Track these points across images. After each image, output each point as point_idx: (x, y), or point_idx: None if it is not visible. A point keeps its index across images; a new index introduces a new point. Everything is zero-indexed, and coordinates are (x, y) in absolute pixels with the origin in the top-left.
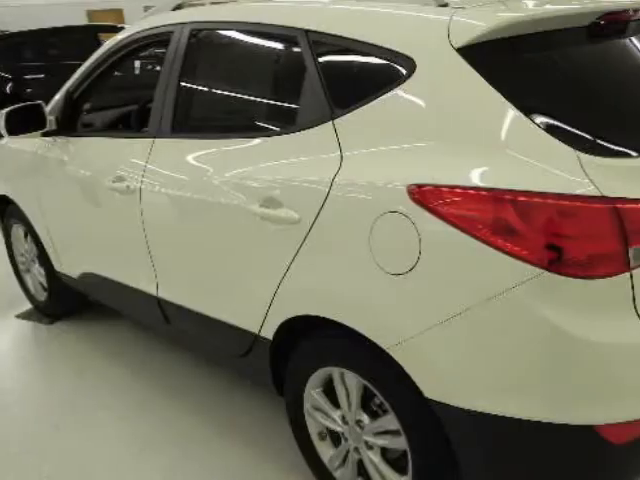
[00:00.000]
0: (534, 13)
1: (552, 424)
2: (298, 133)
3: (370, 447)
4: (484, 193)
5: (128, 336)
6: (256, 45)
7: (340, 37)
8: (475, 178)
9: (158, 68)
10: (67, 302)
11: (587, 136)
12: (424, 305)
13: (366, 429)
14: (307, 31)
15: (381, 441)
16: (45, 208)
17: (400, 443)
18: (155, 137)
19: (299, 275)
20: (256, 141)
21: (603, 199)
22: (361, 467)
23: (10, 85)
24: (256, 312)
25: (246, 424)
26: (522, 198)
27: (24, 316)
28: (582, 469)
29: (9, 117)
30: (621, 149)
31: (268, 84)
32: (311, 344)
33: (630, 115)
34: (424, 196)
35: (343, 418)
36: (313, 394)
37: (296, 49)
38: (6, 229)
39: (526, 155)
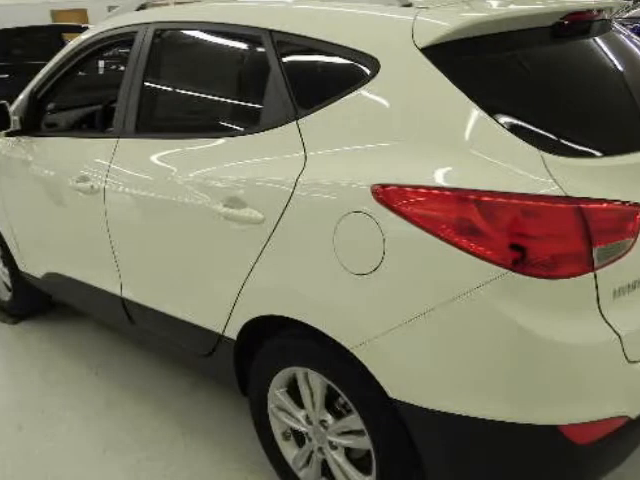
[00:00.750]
0: (498, 13)
1: (516, 424)
2: (262, 133)
3: (334, 447)
4: (448, 193)
5: (93, 336)
6: (220, 45)
7: (304, 37)
8: (439, 178)
9: (122, 68)
10: (31, 302)
11: (551, 136)
12: (388, 305)
13: (330, 429)
14: (271, 31)
15: (345, 441)
16: (9, 208)
17: (364, 443)
18: (119, 137)
19: (263, 275)
20: (220, 141)
21: (567, 199)
22: (325, 467)
23: None
24: (220, 312)
25: (210, 424)
26: (486, 198)
27: None
28: (546, 469)
29: None
30: (585, 149)
31: (232, 84)
32: (275, 344)
33: (594, 115)
34: (388, 196)
35: (307, 418)
36: (277, 394)
37: (260, 49)
38: None
39: (490, 155)
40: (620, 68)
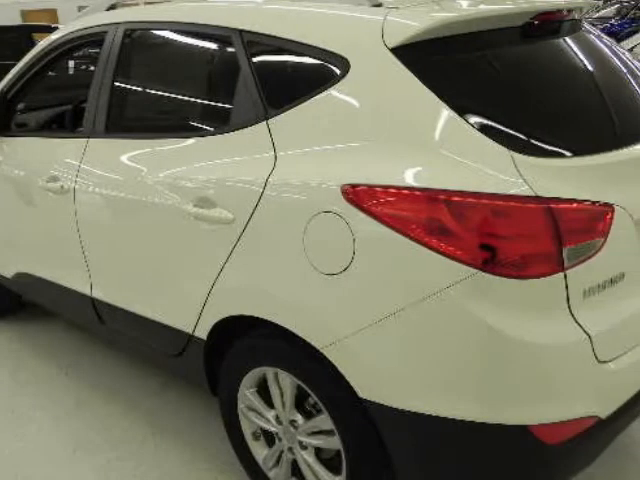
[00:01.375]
0: (468, 13)
1: (486, 424)
2: (232, 133)
3: (304, 447)
4: (418, 193)
5: (63, 336)
6: (190, 45)
7: (274, 37)
8: (409, 178)
9: (92, 68)
10: (1, 302)
11: (521, 136)
12: (358, 305)
13: (300, 429)
14: (241, 31)
15: (315, 441)
16: None
17: (334, 443)
18: (89, 137)
19: (233, 275)
20: (190, 141)
21: (537, 199)
22: (295, 467)
23: None
24: (190, 312)
25: (180, 424)
26: (456, 198)
27: None
28: (516, 469)
29: None
30: (555, 149)
31: (202, 84)
32: (245, 344)
33: (564, 115)
34: (358, 196)
35: (277, 418)
36: (247, 394)
37: (230, 49)
38: None
39: (460, 155)
40: (590, 68)
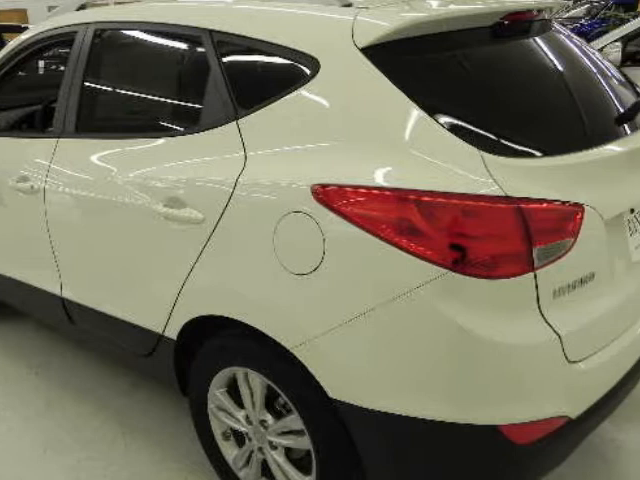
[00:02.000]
0: (438, 13)
1: (456, 424)
2: (202, 133)
3: (274, 447)
4: (388, 193)
5: (33, 336)
6: (160, 45)
7: (244, 37)
8: (379, 178)
9: (62, 68)
10: None
11: (491, 136)
12: (328, 305)
13: (270, 429)
14: (211, 31)
15: (285, 441)
16: None
17: (304, 443)
18: (59, 137)
19: (203, 275)
20: (160, 141)
21: (507, 199)
22: (265, 467)
23: None
24: (160, 312)
25: (150, 424)
26: (426, 198)
27: None
28: (486, 469)
29: None
30: (525, 149)
31: (172, 84)
32: (215, 344)
33: (534, 115)
34: (328, 196)
35: (247, 418)
36: (217, 394)
37: (200, 49)
38: None
39: (430, 155)
40: (560, 68)
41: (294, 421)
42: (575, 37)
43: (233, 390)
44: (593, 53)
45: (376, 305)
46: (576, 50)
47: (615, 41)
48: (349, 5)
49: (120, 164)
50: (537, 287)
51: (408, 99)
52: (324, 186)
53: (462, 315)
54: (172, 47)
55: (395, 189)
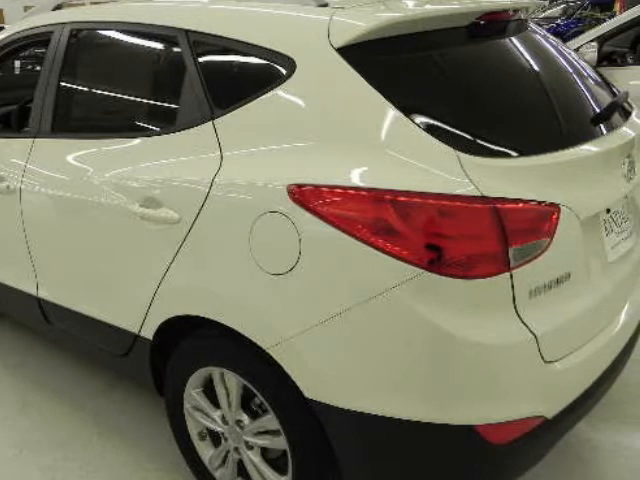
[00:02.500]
0: (414, 13)
1: (432, 424)
2: (178, 133)
3: (250, 447)
4: (364, 193)
5: (9, 336)
6: (136, 45)
7: (220, 37)
8: (355, 178)
9: (38, 68)
10: None
11: (467, 136)
12: (304, 305)
13: (246, 429)
14: (187, 31)
15: (261, 441)
16: None
17: (280, 443)
18: (35, 137)
19: (179, 275)
20: (136, 141)
21: (483, 199)
22: (241, 467)
23: None
24: (136, 312)
25: (127, 424)
26: (402, 198)
27: None
28: (463, 469)
29: None
30: (501, 149)
31: (148, 84)
32: (191, 344)
33: (510, 115)
34: (304, 196)
35: (223, 418)
36: (193, 394)
37: (176, 49)
38: None
39: (406, 155)
40: (536, 68)
41: (270, 421)
42: (551, 37)
43: (209, 390)
44: (569, 53)
45: (352, 305)
46: (552, 50)
47: (591, 41)
48: (325, 5)
49: (96, 164)
50: (513, 287)
51: (384, 99)
52: (300, 186)
53: (438, 315)
54: (148, 47)
55: (371, 189)
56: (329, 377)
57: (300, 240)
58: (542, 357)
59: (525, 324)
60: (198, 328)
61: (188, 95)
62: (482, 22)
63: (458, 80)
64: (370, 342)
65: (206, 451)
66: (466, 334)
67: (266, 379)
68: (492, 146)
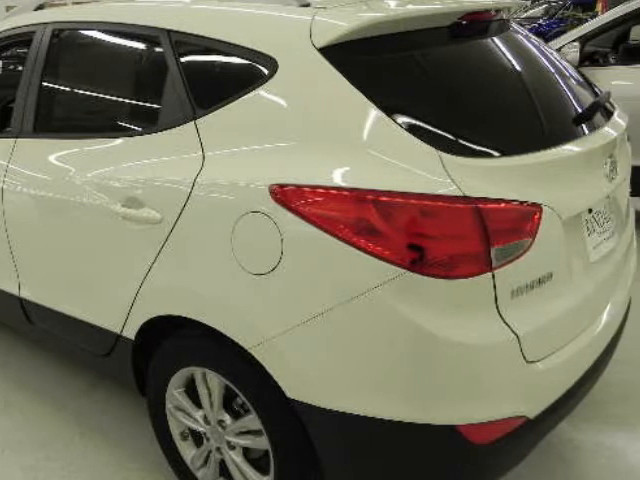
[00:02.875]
0: (395, 13)
1: (414, 424)
2: (160, 133)
3: (232, 447)
4: (346, 193)
5: None
6: (118, 45)
7: (202, 37)
8: (337, 178)
9: (20, 68)
10: None
11: (449, 136)
12: (286, 305)
13: (228, 429)
14: (169, 31)
15: (243, 441)
16: None
17: (262, 443)
18: (17, 137)
19: (161, 275)
20: (118, 141)
21: (465, 199)
22: (223, 467)
23: None
24: (118, 312)
25: (108, 424)
26: (384, 198)
27: None
28: (445, 469)
29: None
30: (483, 149)
31: (130, 84)
32: (173, 344)
33: (492, 115)
34: (286, 196)
35: (205, 418)
36: (175, 394)
37: (158, 49)
38: None
39: (388, 155)
40: (518, 68)
41: (252, 421)
42: (533, 37)
43: (191, 390)
44: (551, 53)
45: (334, 305)
46: (534, 50)
47: (573, 41)
48: (307, 5)
49: (78, 164)
50: (495, 287)
51: (366, 99)
52: (282, 186)
53: (420, 315)
54: (130, 47)
55: (353, 189)
56: (311, 377)
57: (282, 240)
58: (524, 357)
59: (507, 324)
60: (180, 328)
61: (170, 95)
62: (464, 22)
63: (440, 80)
64: (352, 342)
65: (188, 451)
66: (448, 334)
67: (248, 379)
68: (474, 146)
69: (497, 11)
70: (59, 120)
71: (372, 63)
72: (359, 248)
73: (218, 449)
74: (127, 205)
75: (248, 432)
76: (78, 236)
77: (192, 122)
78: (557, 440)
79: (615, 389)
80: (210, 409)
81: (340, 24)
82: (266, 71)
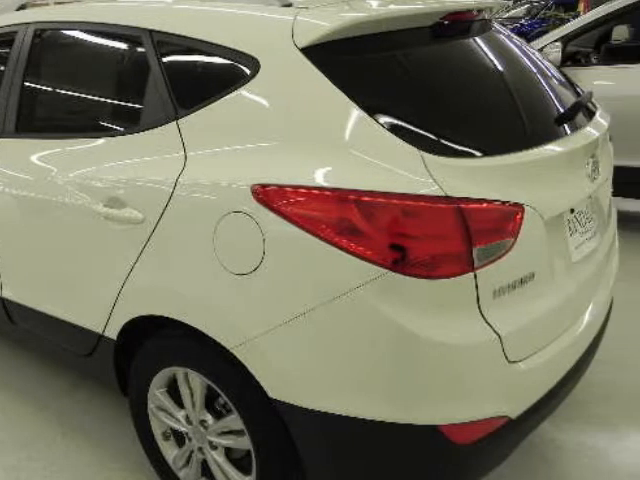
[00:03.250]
0: (377, 13)
1: (396, 424)
2: (142, 133)
3: (214, 447)
4: (328, 193)
5: None
6: (100, 45)
7: (184, 37)
8: (319, 178)
9: (2, 68)
10: None
11: (431, 136)
12: (268, 305)
13: (210, 429)
14: (151, 31)
15: (225, 441)
16: None
17: (244, 443)
18: None
19: (143, 275)
20: (100, 141)
21: (447, 199)
22: (205, 467)
23: None
24: (100, 312)
25: (90, 424)
26: (366, 198)
27: None
28: (427, 469)
29: None
30: (465, 149)
31: (112, 84)
32: (155, 344)
33: (474, 115)
34: (268, 196)
35: (187, 418)
36: (157, 394)
37: (140, 49)
38: None
39: (370, 155)
40: (500, 68)
41: (234, 421)
42: (515, 37)
43: (173, 390)
44: (533, 53)
45: (316, 305)
46: (516, 50)
47: (555, 41)
48: (289, 5)
49: (60, 164)
50: (477, 287)
51: (348, 99)
52: (264, 186)
53: (402, 315)
54: (112, 47)
55: (335, 189)
56: (293, 377)
57: (264, 240)
58: (506, 357)
59: (489, 324)
60: (162, 328)
61: (152, 95)
62: (446, 22)
63: (422, 80)
64: (334, 342)
65: (170, 451)
66: (430, 334)
67: (230, 379)
68: (456, 146)
69: (479, 11)
70: (41, 120)
71: (354, 63)
72: (341, 248)
73: (200, 449)
74: (109, 205)
75: (230, 432)
76: (60, 236)
77: (174, 122)
78: (539, 440)
79: (597, 389)
80: (192, 409)
81: (322, 24)
82: (248, 71)
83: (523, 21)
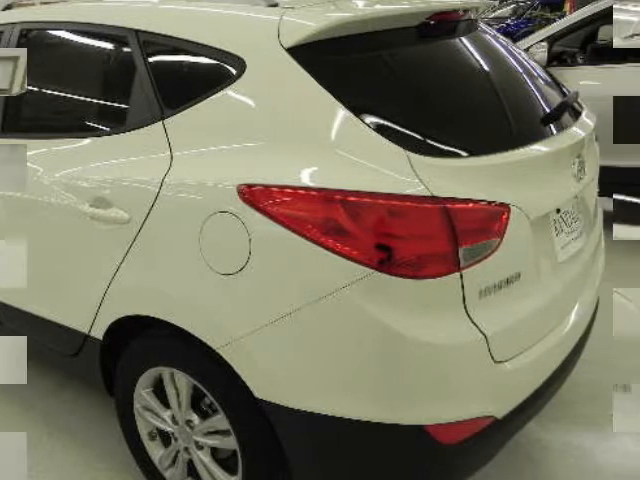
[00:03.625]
0: (363, 13)
1: (382, 424)
2: (128, 133)
3: (200, 447)
4: (314, 193)
5: None
6: (86, 45)
7: (170, 37)
8: (305, 178)
9: None
10: None
11: (417, 136)
12: (254, 305)
13: (196, 429)
14: (137, 31)
15: (211, 441)
16: None
17: (230, 443)
18: None
19: (129, 275)
20: (86, 141)
21: (433, 199)
22: (191, 467)
23: None
24: (86, 312)
25: (76, 424)
26: (352, 198)
27: None
28: (413, 469)
29: None
30: (451, 149)
31: (99, 84)
32: (141, 344)
33: (460, 115)
34: (254, 196)
35: (173, 418)
36: (143, 394)
37: (126, 49)
38: None
39: (356, 155)
40: (486, 68)
41: (220, 421)
42: (501, 37)
43: (159, 390)
44: (519, 53)
45: (302, 305)
46: (502, 50)
47: (541, 41)
48: (275, 5)
49: (46, 164)
50: (463, 287)
51: (334, 99)
52: (250, 186)
53: (388, 315)
54: (98, 47)
55: (321, 189)
56: (279, 377)
57: (250, 240)
58: (492, 357)
59: (475, 324)
60: (148, 328)
61: (138, 95)
62: (432, 22)
63: (408, 80)
64: (320, 342)
65: (156, 451)
66: (416, 334)
67: (216, 379)
68: (442, 146)
69: (465, 11)
70: (27, 120)
71: (340, 63)
72: (327, 248)
73: (186, 449)
74: (95, 205)
75: (216, 432)
76: (46, 236)
77: (160, 122)
78: (525, 440)
79: (583, 389)
80: (178, 409)
81: (308, 24)
82: (234, 71)
83: (509, 21)
